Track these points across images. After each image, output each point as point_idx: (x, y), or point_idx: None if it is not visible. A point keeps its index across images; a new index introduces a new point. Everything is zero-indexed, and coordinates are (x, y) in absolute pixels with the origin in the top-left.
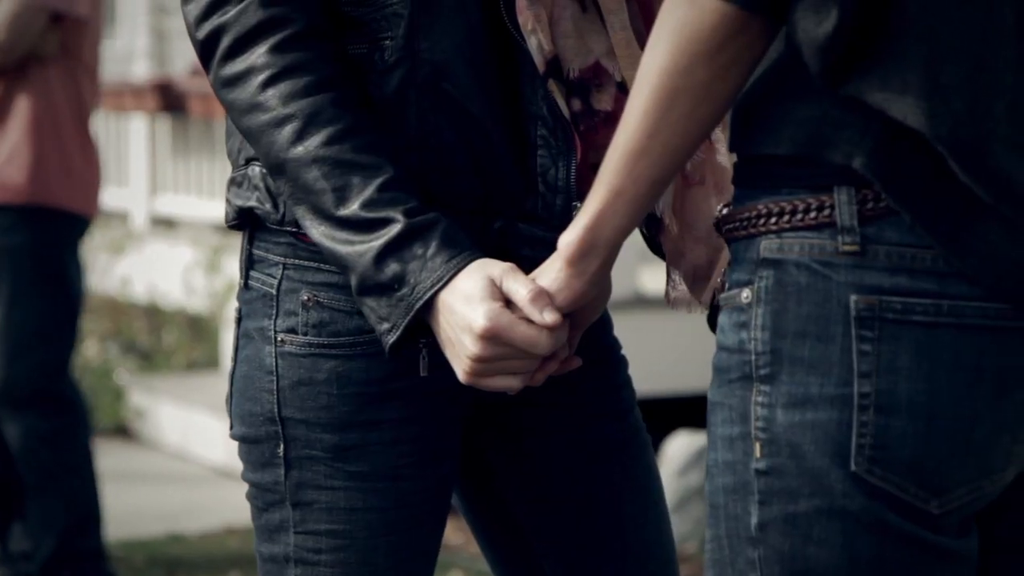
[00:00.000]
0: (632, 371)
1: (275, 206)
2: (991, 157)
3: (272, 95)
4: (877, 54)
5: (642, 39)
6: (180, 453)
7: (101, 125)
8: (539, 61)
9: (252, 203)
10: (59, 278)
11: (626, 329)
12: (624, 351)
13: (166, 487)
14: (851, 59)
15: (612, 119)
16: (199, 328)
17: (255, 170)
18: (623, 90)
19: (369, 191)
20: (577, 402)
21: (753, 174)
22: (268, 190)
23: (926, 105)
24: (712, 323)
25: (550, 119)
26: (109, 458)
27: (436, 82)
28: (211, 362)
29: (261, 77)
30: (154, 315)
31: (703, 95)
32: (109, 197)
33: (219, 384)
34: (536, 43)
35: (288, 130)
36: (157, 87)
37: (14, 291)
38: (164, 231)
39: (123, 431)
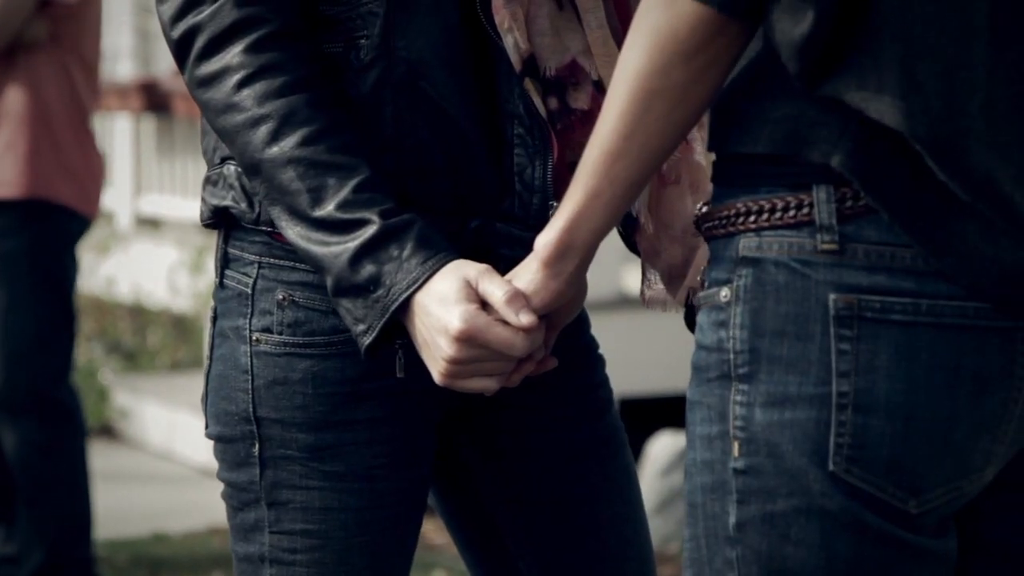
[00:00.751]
0: (615, 371)
1: (250, 205)
2: (968, 155)
3: (247, 95)
4: (853, 54)
5: (618, 37)
6: (164, 453)
7: None
8: (515, 60)
9: (227, 202)
10: (57, 281)
11: (609, 329)
12: (607, 351)
13: (150, 487)
14: (828, 59)
15: (589, 117)
16: (184, 328)
17: (230, 169)
18: (600, 88)
19: (344, 192)
20: (554, 402)
21: (732, 173)
22: (243, 189)
23: (903, 104)
24: (689, 322)
25: (526, 118)
26: (94, 458)
27: (412, 81)
28: (196, 362)
29: (236, 77)
30: (139, 315)
31: (680, 97)
32: None
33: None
34: (512, 41)
35: (263, 130)
36: (142, 87)
37: (12, 296)
38: (149, 231)
39: (108, 431)
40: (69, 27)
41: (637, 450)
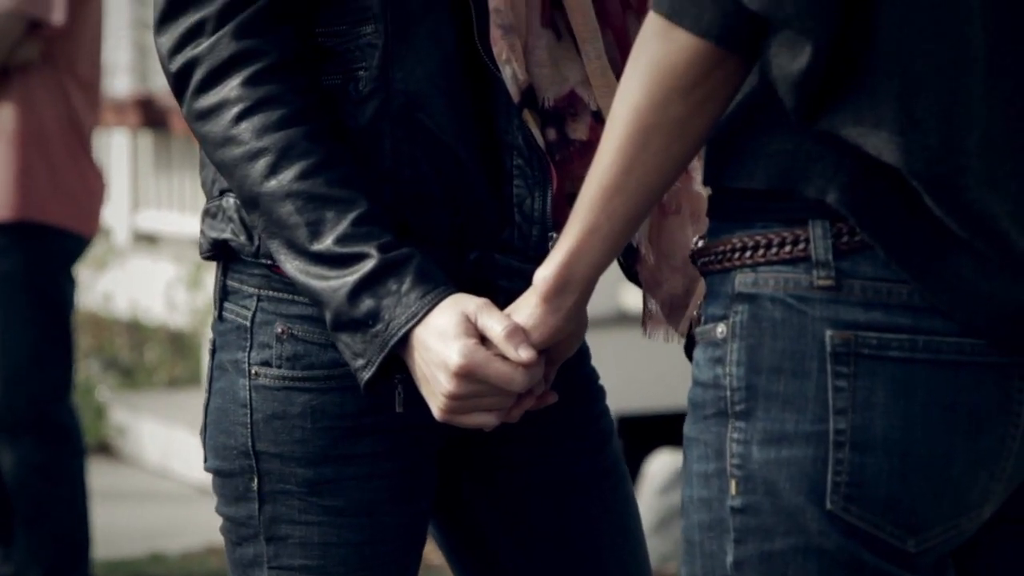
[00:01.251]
0: (614, 389)
1: (250, 238)
2: (965, 192)
3: (245, 128)
4: (850, 89)
5: (617, 67)
6: (162, 471)
7: None
8: (514, 91)
9: (227, 235)
10: (54, 301)
11: (608, 347)
12: (605, 368)
13: (147, 505)
14: (825, 94)
15: (588, 148)
16: (181, 344)
17: (229, 201)
18: (598, 119)
19: (343, 226)
20: (554, 435)
21: (727, 207)
22: (243, 222)
23: (901, 140)
24: (689, 352)
25: (525, 149)
26: (91, 476)
27: (410, 113)
28: (193, 379)
29: (234, 110)
30: (136, 331)
31: (678, 131)
32: None
33: (201, 401)
34: (511, 73)
35: (262, 164)
36: (139, 102)
37: (8, 316)
38: (146, 247)
39: (105, 448)
40: (63, 46)
41: (635, 468)
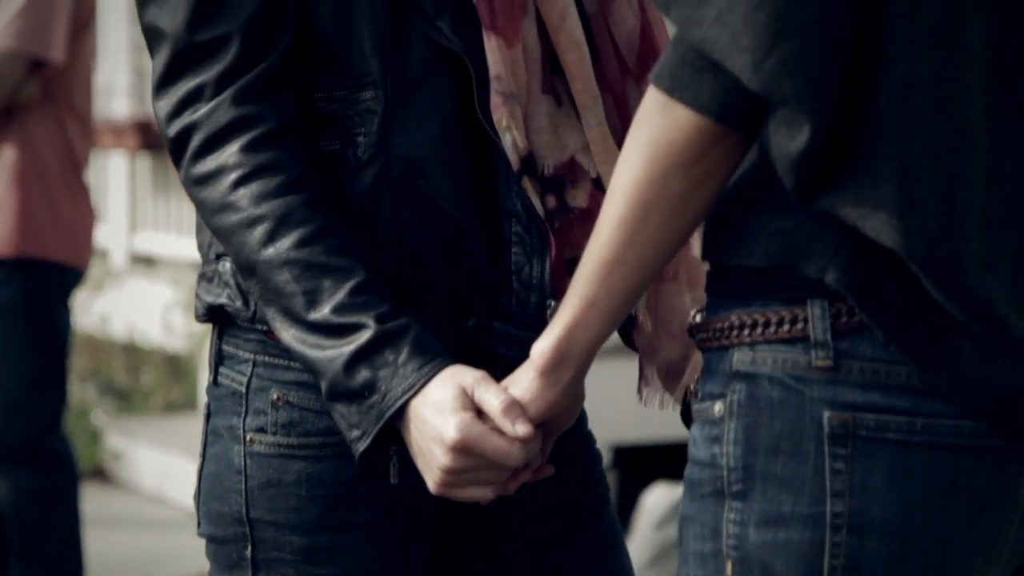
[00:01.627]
0: (611, 419)
1: (246, 304)
2: (965, 276)
3: (243, 195)
4: (850, 170)
5: (617, 133)
6: (157, 496)
7: None
8: (514, 159)
9: (223, 300)
10: (50, 332)
11: (606, 376)
12: (602, 398)
13: (142, 532)
14: (824, 174)
15: (587, 216)
16: (177, 368)
17: (226, 266)
18: (599, 186)
19: (340, 295)
20: (550, 502)
21: (726, 284)
22: (239, 287)
23: (900, 223)
24: (685, 420)
25: (524, 216)
26: (86, 501)
27: (410, 179)
28: (189, 403)
29: (232, 177)
30: (132, 353)
31: (678, 207)
32: None
33: (197, 427)
34: (511, 140)
35: (259, 231)
36: (137, 125)
37: (7, 346)
38: (143, 269)
39: (100, 473)
40: (60, 81)
41: (632, 500)
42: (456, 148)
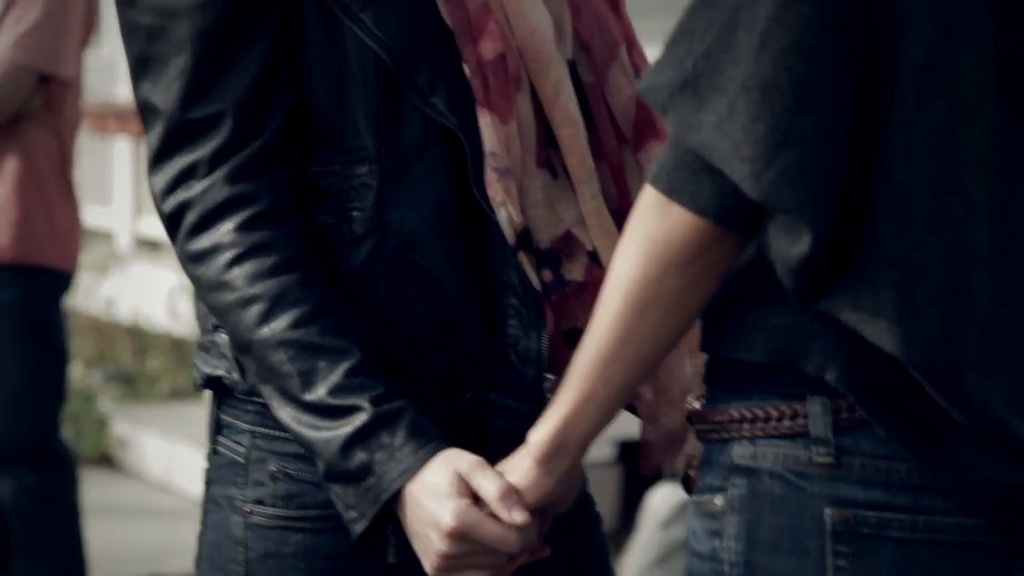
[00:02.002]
0: (620, 415)
1: (243, 375)
2: (964, 382)
3: (238, 275)
4: (849, 274)
5: (613, 203)
6: (163, 484)
7: (85, 145)
8: (509, 234)
9: (220, 372)
10: (47, 334)
11: None
12: None
13: (148, 522)
14: (824, 276)
15: (583, 290)
16: (184, 352)
17: (223, 337)
18: (595, 259)
19: (335, 376)
20: (550, 568)
21: (726, 376)
22: (236, 359)
23: (899, 330)
24: (686, 487)
25: (521, 288)
26: (92, 489)
27: (405, 254)
28: (195, 390)
29: (227, 256)
30: (138, 337)
31: (674, 305)
32: (92, 216)
33: (202, 414)
34: (506, 216)
35: (254, 311)
36: None
37: (6, 349)
38: (149, 253)
39: (106, 460)
40: (61, 95)
41: (637, 500)
42: (451, 222)
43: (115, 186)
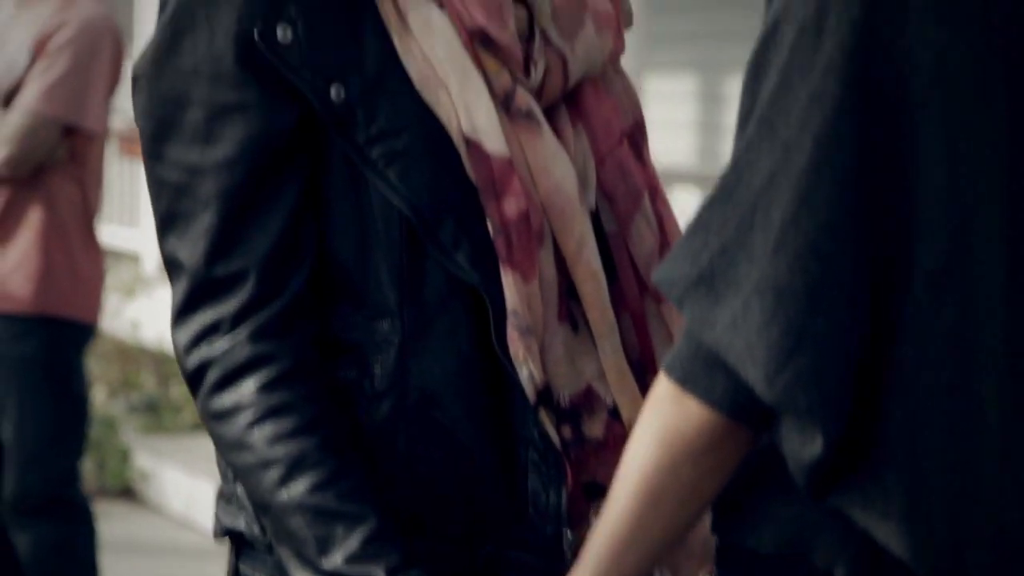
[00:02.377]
0: None
1: (263, 530)
2: None
3: (258, 436)
4: (861, 475)
5: (635, 352)
6: (184, 520)
7: (114, 167)
8: (530, 392)
9: (240, 526)
10: (68, 386)
11: None
12: None
13: (169, 558)
14: (835, 472)
15: (603, 448)
16: None
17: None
18: (615, 415)
19: (352, 544)
20: None
21: (737, 563)
22: (256, 513)
23: (908, 534)
24: None
25: (541, 443)
26: (113, 522)
27: (426, 411)
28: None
29: (247, 417)
30: (163, 363)
31: (688, 494)
32: (119, 238)
33: None
34: (527, 373)
35: (273, 474)
36: None
37: (25, 400)
38: None
39: (128, 492)
40: (86, 146)
41: None
42: (472, 378)
43: (143, 208)
